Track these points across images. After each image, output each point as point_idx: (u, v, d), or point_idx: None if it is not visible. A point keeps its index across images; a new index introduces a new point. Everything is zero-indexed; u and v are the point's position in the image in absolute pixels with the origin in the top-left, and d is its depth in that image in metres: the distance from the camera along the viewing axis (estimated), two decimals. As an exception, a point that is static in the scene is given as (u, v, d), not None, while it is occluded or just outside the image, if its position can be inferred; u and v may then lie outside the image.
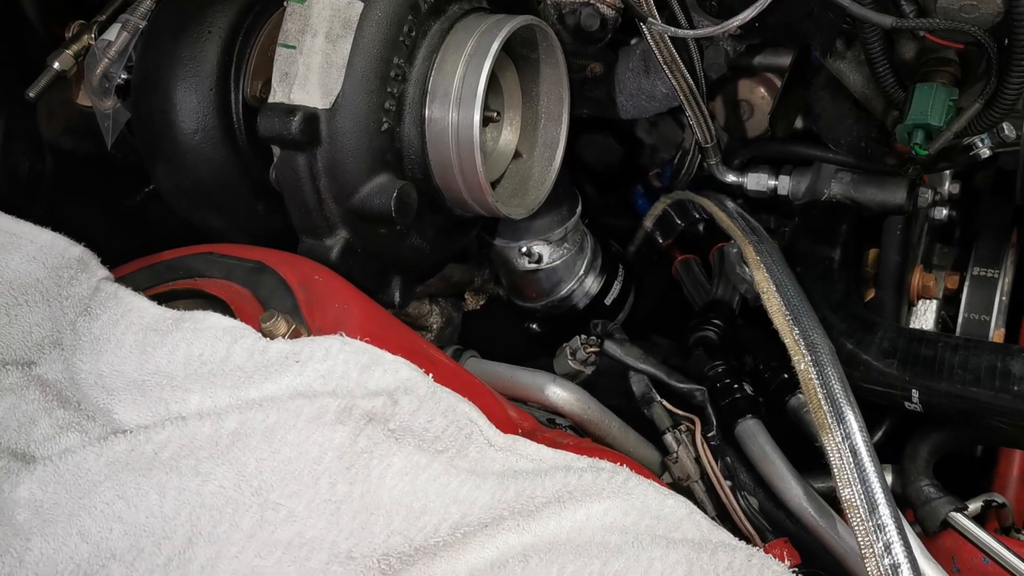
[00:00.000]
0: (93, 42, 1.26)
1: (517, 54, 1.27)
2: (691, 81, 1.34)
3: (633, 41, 1.47)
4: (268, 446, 0.85)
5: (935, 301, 1.53)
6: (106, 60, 1.23)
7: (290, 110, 1.07)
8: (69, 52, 1.26)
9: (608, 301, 1.55)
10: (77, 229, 1.09)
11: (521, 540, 0.89)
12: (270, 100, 1.10)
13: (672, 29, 1.21)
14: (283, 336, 0.93)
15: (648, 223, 1.65)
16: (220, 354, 0.90)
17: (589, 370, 1.37)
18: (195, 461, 0.85)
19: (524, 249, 1.46)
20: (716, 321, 1.41)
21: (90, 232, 1.10)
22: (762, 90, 1.55)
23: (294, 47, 1.09)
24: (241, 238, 1.20)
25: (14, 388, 0.96)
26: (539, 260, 1.47)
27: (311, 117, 1.07)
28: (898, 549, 0.93)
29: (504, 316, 1.62)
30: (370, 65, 1.09)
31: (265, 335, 0.93)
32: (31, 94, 1.25)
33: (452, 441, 0.92)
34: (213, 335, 0.92)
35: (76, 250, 1.06)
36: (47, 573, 0.82)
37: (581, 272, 1.52)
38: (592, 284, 1.53)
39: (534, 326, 1.58)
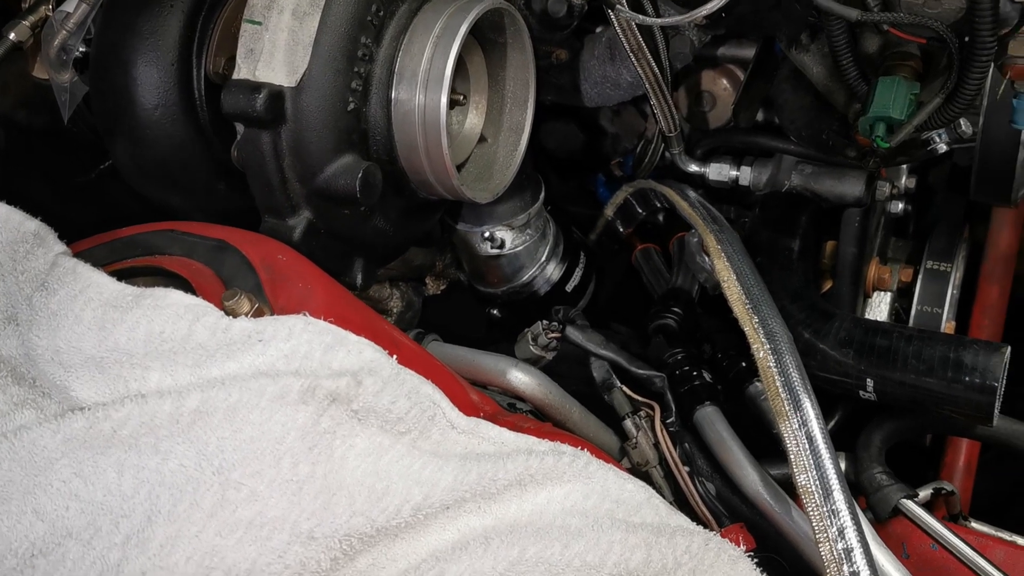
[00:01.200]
0: (51, 13, 1.23)
1: (484, 38, 1.27)
2: (657, 70, 1.34)
3: (598, 29, 1.48)
4: (230, 425, 0.84)
5: (890, 293, 1.56)
6: (64, 32, 1.21)
7: (255, 87, 1.06)
8: (26, 23, 1.23)
9: (569, 288, 1.56)
10: (32, 205, 1.07)
11: (483, 522, 0.89)
12: (234, 76, 1.09)
13: (640, 16, 1.21)
14: (246, 315, 0.92)
15: (609, 212, 1.65)
16: (182, 332, 0.89)
17: (550, 355, 1.37)
18: (155, 439, 0.84)
19: (487, 234, 1.46)
20: (676, 309, 1.42)
21: (45, 208, 1.08)
22: (725, 82, 1.56)
23: (260, 23, 1.07)
24: (201, 216, 1.19)
25: (-33, 364, 0.94)
26: (501, 246, 1.47)
27: (276, 95, 1.06)
28: (851, 534, 0.94)
29: (465, 301, 1.62)
30: (337, 44, 1.08)
31: (228, 313, 0.92)
32: (-15, 65, 1.22)
33: (415, 423, 0.92)
34: (175, 312, 0.90)
35: (32, 224, 1.03)
36: (1, 551, 0.80)
37: (543, 259, 1.52)
38: (554, 271, 1.53)
39: (495, 312, 1.58)
